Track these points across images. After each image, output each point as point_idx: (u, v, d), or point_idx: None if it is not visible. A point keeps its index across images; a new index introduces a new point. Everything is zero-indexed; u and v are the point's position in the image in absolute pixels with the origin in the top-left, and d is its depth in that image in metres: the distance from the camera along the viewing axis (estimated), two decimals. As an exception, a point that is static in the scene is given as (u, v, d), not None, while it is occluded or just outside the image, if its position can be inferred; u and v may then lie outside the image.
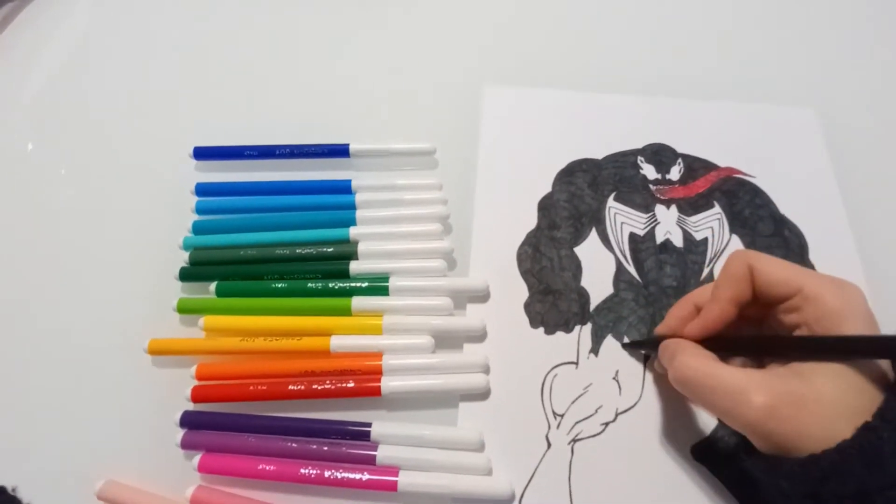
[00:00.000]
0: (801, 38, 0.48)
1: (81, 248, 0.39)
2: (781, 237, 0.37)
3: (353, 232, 0.36)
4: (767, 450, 0.24)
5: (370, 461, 0.30)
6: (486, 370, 0.33)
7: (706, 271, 0.36)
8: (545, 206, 0.38)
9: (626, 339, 0.34)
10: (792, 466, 0.22)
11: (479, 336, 0.34)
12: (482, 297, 0.35)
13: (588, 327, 0.34)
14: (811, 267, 0.36)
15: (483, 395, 0.32)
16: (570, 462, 0.31)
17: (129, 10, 0.52)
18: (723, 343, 0.27)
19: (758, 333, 0.28)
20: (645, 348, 0.33)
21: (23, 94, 0.47)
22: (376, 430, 0.30)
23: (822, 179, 0.39)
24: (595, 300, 0.35)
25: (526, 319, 0.34)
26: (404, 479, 0.29)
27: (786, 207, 0.38)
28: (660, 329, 0.30)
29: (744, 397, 0.23)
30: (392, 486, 0.29)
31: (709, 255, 0.36)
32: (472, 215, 0.38)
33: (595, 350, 0.33)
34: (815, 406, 0.22)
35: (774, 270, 0.26)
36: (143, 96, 0.46)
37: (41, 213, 0.40)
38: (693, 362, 0.26)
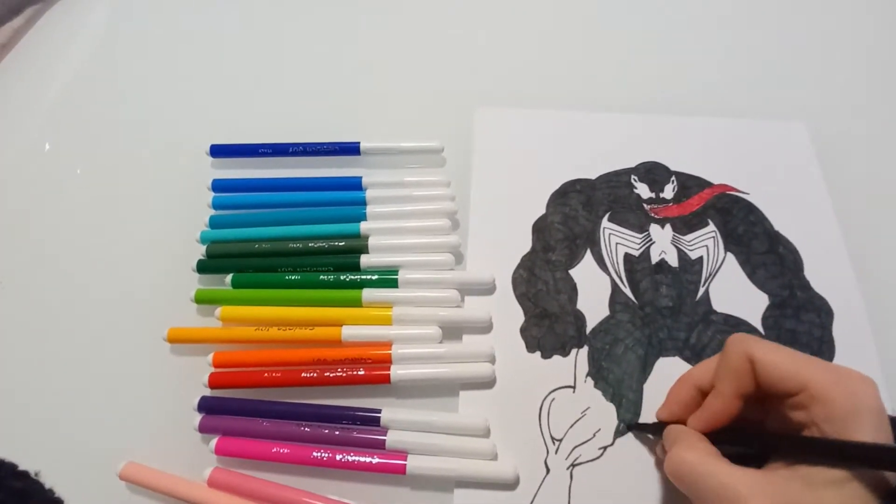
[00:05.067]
0: (790, 53, 0.48)
1: (104, 242, 0.40)
2: (776, 254, 0.37)
3: (363, 227, 0.37)
4: None
5: (380, 446, 0.31)
6: (492, 359, 0.34)
7: (701, 290, 0.36)
8: (539, 228, 0.38)
9: (630, 422, 0.32)
10: None
11: (485, 328, 0.35)
12: (486, 290, 0.36)
13: (585, 350, 0.34)
14: (806, 284, 0.36)
15: (489, 383, 0.33)
16: (570, 487, 0.30)
17: (146, 13, 0.53)
18: (726, 436, 0.26)
19: (763, 430, 0.26)
20: (650, 432, 0.31)
21: (45, 96, 0.48)
22: (386, 416, 0.32)
23: (814, 194, 0.39)
24: (591, 323, 0.35)
25: (522, 344, 0.34)
26: (413, 463, 0.30)
27: (780, 223, 0.38)
28: (660, 413, 0.30)
29: (740, 503, 0.21)
30: (401, 470, 0.30)
31: (704, 274, 0.36)
32: (466, 239, 0.38)
33: (592, 374, 0.33)
34: None
35: (776, 364, 0.24)
36: (161, 97, 0.48)
37: (69, 210, 0.42)
38: (689, 456, 0.24)
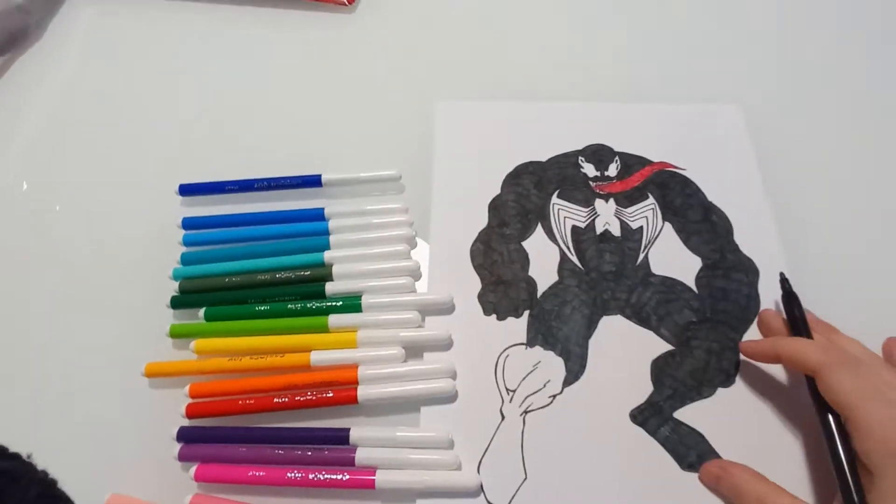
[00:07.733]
0: (725, 40, 0.52)
1: (80, 282, 0.42)
2: (709, 222, 0.41)
3: (327, 256, 0.39)
4: None
5: (350, 462, 0.33)
6: (453, 375, 0.36)
7: (641, 256, 0.39)
8: (495, 206, 0.42)
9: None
10: None
11: (446, 345, 0.37)
12: (446, 310, 0.38)
13: (537, 311, 0.38)
14: (736, 247, 0.39)
15: (451, 398, 0.35)
16: (522, 431, 0.34)
17: (116, 57, 0.55)
18: None
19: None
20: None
21: (17, 141, 0.50)
22: (354, 435, 0.33)
23: (745, 168, 0.43)
24: (542, 287, 0.38)
25: (479, 309, 0.38)
26: (381, 478, 0.32)
27: (713, 195, 0.42)
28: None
29: None
30: (370, 485, 0.32)
31: (643, 241, 0.40)
32: (429, 219, 0.41)
33: (543, 332, 0.37)
34: None
35: (834, 385, 0.27)
36: (130, 140, 0.49)
37: (46, 250, 0.44)
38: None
